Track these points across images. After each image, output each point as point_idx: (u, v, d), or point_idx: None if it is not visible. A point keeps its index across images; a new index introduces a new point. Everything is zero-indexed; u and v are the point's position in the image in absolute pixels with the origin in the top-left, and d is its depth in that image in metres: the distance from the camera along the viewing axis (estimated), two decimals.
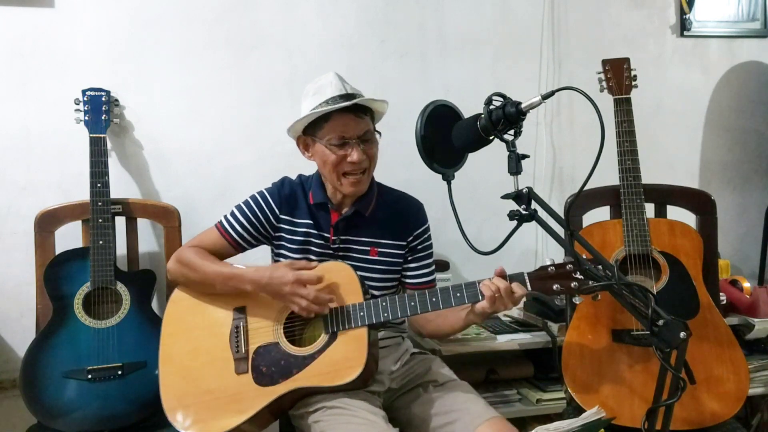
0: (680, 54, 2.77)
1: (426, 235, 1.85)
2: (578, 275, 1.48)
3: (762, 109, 2.86)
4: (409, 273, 1.83)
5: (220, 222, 1.79)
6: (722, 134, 2.83)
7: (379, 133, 1.74)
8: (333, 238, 1.76)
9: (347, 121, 1.66)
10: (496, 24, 2.59)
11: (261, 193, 1.79)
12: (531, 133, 2.62)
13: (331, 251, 1.76)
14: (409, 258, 1.83)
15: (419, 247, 1.83)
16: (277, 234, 1.78)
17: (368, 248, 1.78)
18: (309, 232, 1.76)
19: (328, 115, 1.66)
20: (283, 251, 1.77)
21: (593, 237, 2.00)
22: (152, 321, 1.98)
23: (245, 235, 1.77)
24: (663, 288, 1.92)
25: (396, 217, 1.81)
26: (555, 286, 1.50)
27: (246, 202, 1.79)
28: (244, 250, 1.80)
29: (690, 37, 2.77)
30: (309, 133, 1.72)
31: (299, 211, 1.78)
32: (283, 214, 1.77)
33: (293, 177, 1.86)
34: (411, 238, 1.82)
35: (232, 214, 1.78)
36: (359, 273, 1.67)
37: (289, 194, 1.78)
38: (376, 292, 1.75)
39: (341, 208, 1.78)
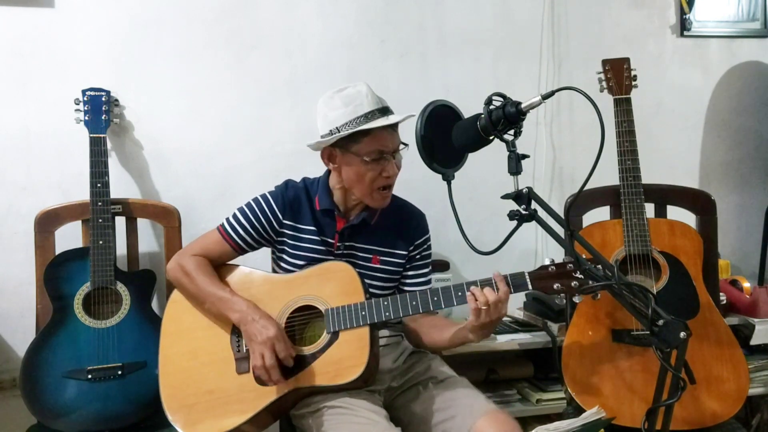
0: (680, 54, 2.77)
1: (426, 245, 1.86)
2: (579, 274, 1.48)
3: (762, 109, 2.86)
4: (405, 281, 1.83)
5: (222, 225, 1.78)
6: (722, 134, 2.83)
7: (406, 145, 1.72)
8: (337, 244, 1.76)
9: (387, 136, 1.66)
10: (496, 24, 2.59)
11: (264, 197, 1.78)
12: (531, 133, 2.62)
13: (333, 257, 1.75)
14: (407, 266, 1.83)
15: (418, 256, 1.84)
16: (279, 238, 1.77)
17: (371, 256, 1.78)
18: (313, 238, 1.75)
19: (369, 130, 1.64)
20: (285, 256, 1.77)
21: (593, 237, 2.00)
22: (152, 321, 1.98)
23: (247, 238, 1.76)
24: (663, 288, 1.92)
25: (399, 226, 1.81)
26: (556, 285, 1.50)
27: (249, 205, 1.78)
28: (245, 252, 1.80)
29: (690, 37, 2.77)
30: (340, 145, 1.69)
31: (303, 216, 1.77)
32: (287, 219, 1.76)
33: (294, 178, 1.84)
34: (412, 248, 1.82)
35: (235, 216, 1.77)
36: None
37: (293, 199, 1.77)
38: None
39: (349, 215, 1.78)
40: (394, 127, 1.68)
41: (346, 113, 1.65)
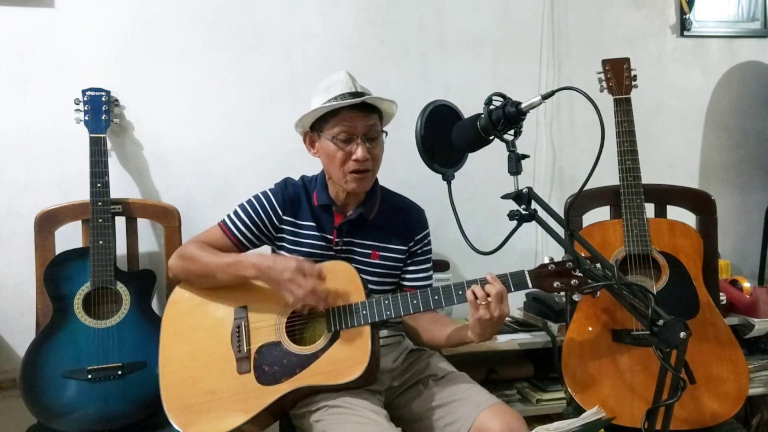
0: (680, 54, 2.77)
1: (426, 240, 1.86)
2: (578, 273, 1.48)
3: (762, 109, 2.86)
4: (407, 276, 1.84)
5: (223, 221, 1.80)
6: (722, 134, 2.83)
7: (386, 132, 1.75)
8: (336, 240, 1.76)
9: (354, 116, 1.67)
10: (496, 24, 2.59)
11: (264, 194, 1.80)
12: (531, 133, 2.62)
13: (333, 253, 1.76)
14: (408, 262, 1.83)
15: (419, 251, 1.84)
16: (279, 235, 1.78)
17: (370, 251, 1.78)
18: (312, 234, 1.76)
19: (336, 111, 1.67)
20: (284, 252, 1.77)
21: (593, 237, 2.00)
22: (152, 321, 1.98)
23: (248, 234, 1.77)
24: (663, 288, 1.92)
25: (398, 222, 1.82)
26: (555, 284, 1.50)
27: (249, 202, 1.79)
28: (246, 249, 1.80)
29: (690, 37, 2.77)
30: (316, 128, 1.73)
31: (302, 212, 1.78)
32: (286, 215, 1.77)
33: (294, 177, 1.86)
34: (412, 243, 1.83)
35: (236, 213, 1.79)
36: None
37: (292, 195, 1.79)
38: (374, 295, 1.74)
39: (345, 211, 1.78)
40: (364, 110, 1.68)
41: (323, 97, 1.71)
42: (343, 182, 1.72)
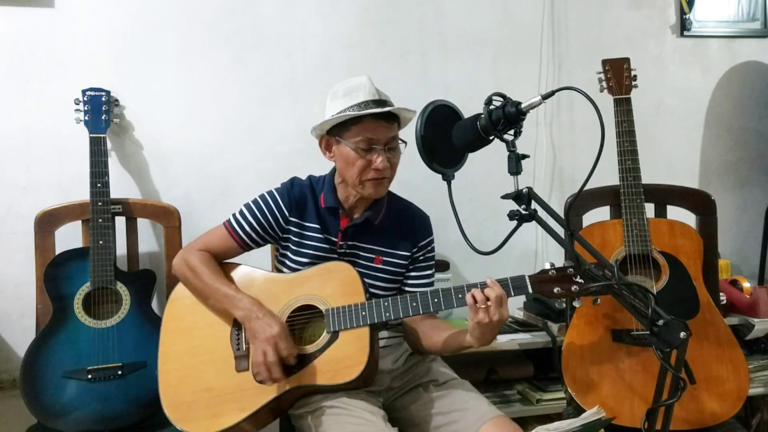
0: (680, 54, 2.78)
1: (429, 247, 1.85)
2: (578, 279, 1.48)
3: (762, 109, 2.86)
4: (408, 281, 1.83)
5: (228, 221, 1.78)
6: (722, 134, 2.83)
7: (405, 142, 1.73)
8: (340, 243, 1.76)
9: (377, 126, 1.65)
10: (496, 24, 2.59)
11: (270, 193, 1.78)
12: (531, 133, 2.62)
13: (336, 256, 1.75)
14: (411, 267, 1.83)
15: (422, 257, 1.83)
16: (284, 235, 1.77)
17: (373, 256, 1.77)
18: (317, 236, 1.75)
19: (359, 119, 1.65)
20: (288, 253, 1.77)
21: (593, 237, 2.00)
22: (152, 321, 1.98)
23: (253, 234, 1.76)
24: (663, 288, 1.92)
25: (403, 228, 1.81)
26: (556, 290, 1.49)
27: (255, 202, 1.78)
28: (250, 249, 1.80)
29: (690, 37, 2.77)
30: (335, 133, 1.71)
31: (308, 213, 1.77)
32: (293, 216, 1.76)
33: (298, 177, 1.84)
34: (415, 250, 1.82)
35: (241, 213, 1.77)
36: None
37: (298, 196, 1.77)
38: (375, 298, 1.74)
39: (352, 214, 1.77)
40: (387, 120, 1.67)
41: (343, 102, 1.68)
42: (360, 188, 1.70)
